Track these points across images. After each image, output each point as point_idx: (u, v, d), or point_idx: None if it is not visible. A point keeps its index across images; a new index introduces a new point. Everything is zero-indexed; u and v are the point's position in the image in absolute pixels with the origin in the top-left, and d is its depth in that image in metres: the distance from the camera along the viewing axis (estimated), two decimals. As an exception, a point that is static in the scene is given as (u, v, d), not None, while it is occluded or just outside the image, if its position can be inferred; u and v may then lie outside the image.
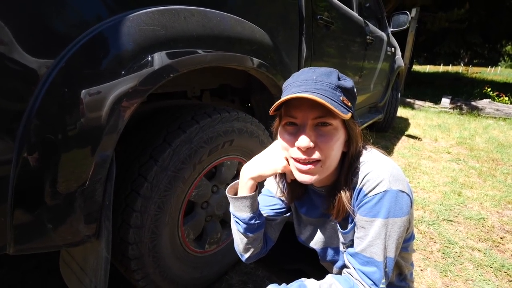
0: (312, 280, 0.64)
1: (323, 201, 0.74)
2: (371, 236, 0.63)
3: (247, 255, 0.80)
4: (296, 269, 0.94)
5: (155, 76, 0.75)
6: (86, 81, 0.64)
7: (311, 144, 0.61)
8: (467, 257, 1.52)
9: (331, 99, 0.59)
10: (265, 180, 0.75)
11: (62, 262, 0.95)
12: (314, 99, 0.57)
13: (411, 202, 0.65)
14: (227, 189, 0.78)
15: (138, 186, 0.87)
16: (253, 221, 0.74)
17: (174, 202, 0.97)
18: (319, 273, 0.88)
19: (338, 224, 0.74)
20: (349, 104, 0.63)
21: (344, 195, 0.66)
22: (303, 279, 0.64)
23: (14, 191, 0.60)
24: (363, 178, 0.64)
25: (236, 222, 0.77)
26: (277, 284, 0.62)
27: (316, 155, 0.62)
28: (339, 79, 0.63)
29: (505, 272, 1.41)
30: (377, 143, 3.44)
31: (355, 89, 0.67)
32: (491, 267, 1.44)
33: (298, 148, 0.62)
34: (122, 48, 0.69)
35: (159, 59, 0.76)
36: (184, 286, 1.11)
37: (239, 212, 0.75)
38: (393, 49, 3.35)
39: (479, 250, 1.57)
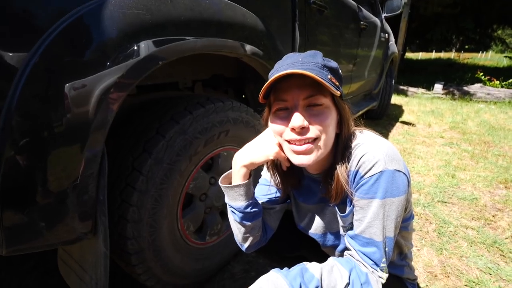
0: (313, 263, 0.64)
1: (321, 186, 0.74)
2: (369, 217, 0.63)
3: (246, 245, 0.80)
4: (297, 256, 0.95)
5: (142, 65, 0.73)
6: (68, 73, 0.62)
7: (305, 123, 0.61)
8: (461, 235, 1.55)
9: (319, 76, 0.59)
10: (257, 167, 0.73)
11: (60, 260, 0.94)
12: (303, 73, 0.57)
13: (408, 181, 0.65)
14: (220, 179, 0.77)
15: (133, 180, 0.86)
16: (248, 209, 0.73)
17: (171, 195, 0.96)
18: (320, 259, 0.88)
19: (336, 208, 0.75)
20: (337, 83, 0.64)
21: (341, 176, 0.65)
22: (304, 262, 0.64)
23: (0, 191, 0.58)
24: (359, 161, 0.64)
25: (232, 212, 0.76)
26: (279, 269, 0.62)
27: (311, 133, 0.62)
28: (323, 59, 0.64)
29: (497, 248, 1.45)
30: (371, 130, 3.44)
31: (340, 71, 0.67)
32: (484, 244, 1.48)
33: (292, 129, 0.62)
34: (105, 36, 0.66)
35: (145, 47, 0.73)
36: (186, 278, 1.12)
37: (234, 202, 0.74)
38: (386, 35, 3.33)
39: (472, 228, 1.61)
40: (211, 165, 1.14)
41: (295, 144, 0.63)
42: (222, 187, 0.75)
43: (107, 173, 0.87)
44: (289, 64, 0.62)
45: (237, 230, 0.78)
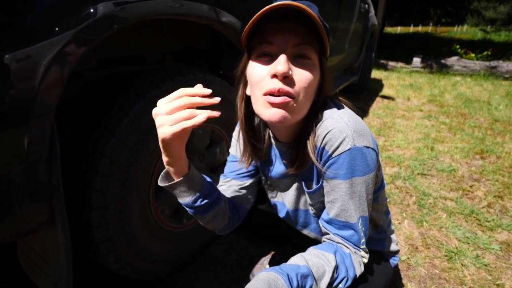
0: (293, 257, 0.59)
1: (287, 156, 0.69)
2: (341, 200, 0.60)
3: (216, 229, 0.74)
4: (276, 234, 0.91)
5: (94, 29, 0.62)
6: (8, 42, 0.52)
7: (290, 72, 0.54)
8: (440, 206, 1.58)
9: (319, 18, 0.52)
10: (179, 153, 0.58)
11: (21, 254, 0.85)
12: (304, 8, 0.49)
13: (377, 154, 0.61)
14: (159, 182, 0.62)
15: (95, 163, 0.77)
16: (197, 203, 0.64)
17: (140, 178, 0.88)
18: (300, 237, 0.85)
19: (303, 184, 0.70)
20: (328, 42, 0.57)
21: (309, 147, 0.60)
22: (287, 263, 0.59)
23: None
24: (325, 136, 0.58)
25: (184, 207, 0.67)
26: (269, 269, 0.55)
27: (291, 88, 0.55)
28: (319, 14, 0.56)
29: (474, 217, 1.49)
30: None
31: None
32: (462, 214, 1.51)
33: (274, 76, 0.54)
34: None
35: (99, 8, 0.63)
36: (165, 264, 1.06)
37: (180, 198, 0.64)
38: (366, 6, 3.24)
39: (451, 199, 1.64)
40: (186, 144, 1.06)
41: (271, 95, 0.55)
42: (164, 188, 0.62)
43: (66, 156, 0.78)
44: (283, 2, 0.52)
45: (199, 221, 0.71)
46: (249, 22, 0.54)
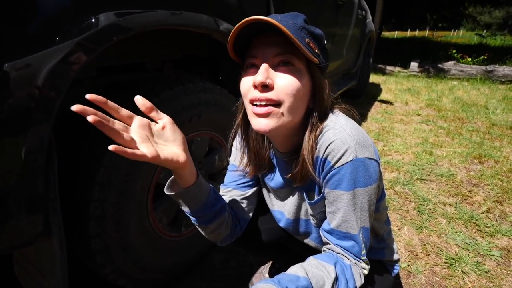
0: (293, 267, 0.58)
1: (287, 166, 0.69)
2: (343, 210, 0.59)
3: (218, 240, 0.73)
4: (276, 245, 0.91)
5: (95, 39, 0.63)
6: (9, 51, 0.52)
7: (268, 81, 0.55)
8: (440, 212, 1.58)
9: (294, 35, 0.52)
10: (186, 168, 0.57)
11: (16, 264, 0.84)
12: (273, 23, 0.50)
13: (379, 165, 0.61)
14: (165, 189, 0.62)
15: (93, 173, 0.76)
16: (202, 213, 0.64)
17: (139, 186, 0.87)
18: (300, 247, 0.84)
19: (305, 194, 0.70)
20: (316, 50, 0.58)
21: (307, 159, 0.60)
22: (286, 271, 0.58)
23: None
24: (327, 147, 0.59)
25: (187, 216, 0.67)
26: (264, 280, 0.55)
27: (273, 94, 0.55)
28: (306, 23, 0.57)
29: (474, 223, 1.48)
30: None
31: (324, 40, 0.61)
32: (462, 220, 1.51)
33: (254, 87, 0.56)
34: (52, 5, 0.57)
35: (101, 18, 0.63)
36: (163, 273, 1.05)
37: (184, 207, 0.64)
38: (364, 12, 3.26)
39: (450, 205, 1.64)
40: (184, 152, 1.05)
41: (255, 105, 0.56)
42: (170, 196, 0.63)
43: (64, 166, 0.77)
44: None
45: (201, 230, 0.71)
46: (228, 40, 0.56)
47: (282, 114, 0.56)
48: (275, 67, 0.56)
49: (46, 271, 0.74)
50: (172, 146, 0.54)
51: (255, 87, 0.55)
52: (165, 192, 0.62)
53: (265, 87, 0.55)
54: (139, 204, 0.89)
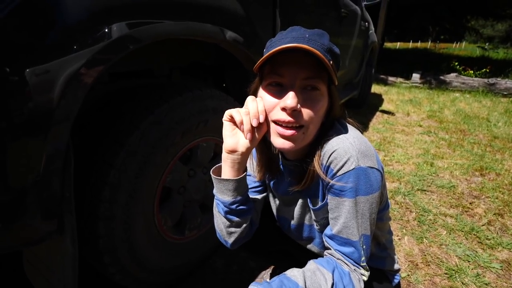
0: (294, 269, 0.61)
1: (294, 173, 0.71)
2: (344, 217, 0.62)
3: (231, 240, 0.75)
4: (280, 250, 0.92)
5: (111, 50, 0.67)
6: (29, 58, 0.55)
7: (299, 106, 0.57)
8: (440, 223, 1.59)
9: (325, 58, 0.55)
10: (246, 158, 0.67)
11: (26, 261, 0.86)
12: (312, 51, 0.53)
13: (382, 176, 0.63)
14: (212, 169, 0.71)
15: (104, 175, 0.79)
16: (234, 206, 0.68)
17: (146, 189, 0.90)
18: (303, 253, 0.86)
19: (309, 200, 0.72)
20: (336, 71, 0.61)
21: (315, 162, 0.63)
22: (286, 272, 0.61)
23: None
24: (330, 155, 0.61)
25: (218, 204, 0.71)
26: (258, 283, 0.58)
27: (301, 119, 0.58)
28: (330, 43, 0.60)
29: (474, 235, 1.49)
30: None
31: (340, 58, 0.64)
32: (462, 231, 1.52)
33: (283, 109, 0.58)
34: (71, 17, 0.60)
35: (115, 30, 0.67)
36: (165, 275, 1.07)
37: (220, 194, 0.69)
38: (366, 23, 3.32)
39: (451, 216, 1.65)
40: (190, 157, 1.08)
41: (281, 126, 0.59)
42: (212, 177, 0.69)
43: (75, 167, 0.80)
44: (294, 38, 0.56)
45: (222, 224, 0.73)
46: (261, 58, 0.57)
47: (305, 135, 0.60)
48: (302, 89, 0.58)
49: (56, 268, 0.76)
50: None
51: (283, 109, 0.58)
52: (212, 173, 0.69)
53: (293, 111, 0.57)
54: (146, 206, 0.92)
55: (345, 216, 0.62)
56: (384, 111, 4.06)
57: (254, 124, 0.60)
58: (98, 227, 0.80)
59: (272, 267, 1.21)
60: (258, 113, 0.60)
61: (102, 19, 0.66)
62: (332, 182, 0.62)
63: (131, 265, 0.91)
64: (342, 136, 0.62)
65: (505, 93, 5.39)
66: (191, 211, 1.13)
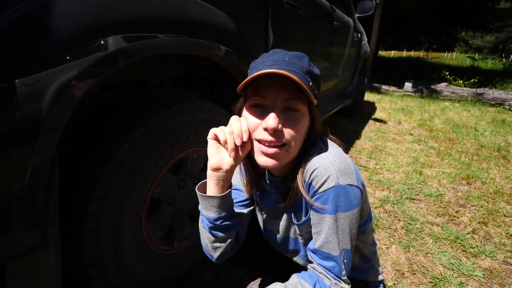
0: (277, 283, 0.63)
1: (279, 188, 0.73)
2: (325, 232, 0.64)
3: (216, 255, 0.76)
4: (267, 263, 0.94)
5: (105, 63, 0.68)
6: (20, 68, 0.56)
7: (280, 126, 0.60)
8: (427, 232, 1.62)
9: (302, 81, 0.57)
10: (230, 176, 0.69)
11: (9, 274, 0.86)
12: (289, 76, 0.55)
13: (361, 192, 0.66)
14: (197, 186, 0.72)
15: (91, 187, 0.80)
16: (218, 222, 0.69)
17: (134, 201, 0.90)
18: (290, 265, 0.88)
19: (293, 215, 0.74)
20: (316, 91, 0.64)
21: (299, 180, 0.65)
22: (268, 287, 0.63)
23: None
24: (312, 173, 0.64)
25: (202, 219, 0.73)
26: None
27: (282, 139, 0.61)
28: (309, 65, 0.62)
29: (459, 243, 1.52)
30: (345, 128, 3.55)
31: (320, 78, 0.66)
32: (448, 240, 1.55)
33: (265, 129, 0.60)
34: (63, 29, 0.61)
35: (110, 44, 0.68)
36: (154, 286, 1.06)
37: (205, 211, 0.70)
38: (359, 34, 3.40)
39: (437, 225, 1.68)
40: (179, 168, 1.09)
41: (264, 144, 0.62)
42: (197, 194, 0.70)
43: (63, 180, 0.80)
44: (275, 61, 0.59)
45: (207, 239, 0.74)
46: (244, 81, 0.60)
47: (287, 153, 0.63)
48: (283, 109, 0.61)
49: (39, 282, 0.76)
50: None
51: (265, 129, 0.60)
52: (197, 190, 0.70)
53: (275, 131, 0.60)
54: (134, 217, 0.92)
55: (326, 231, 0.63)
56: (376, 119, 4.12)
57: (238, 143, 0.62)
58: (83, 240, 0.80)
59: (260, 278, 1.21)
60: (242, 133, 0.62)
61: (97, 33, 0.67)
62: (311, 201, 0.64)
63: (117, 277, 0.91)
64: (323, 155, 0.64)
65: (492, 102, 5.53)
66: (180, 221, 1.14)
